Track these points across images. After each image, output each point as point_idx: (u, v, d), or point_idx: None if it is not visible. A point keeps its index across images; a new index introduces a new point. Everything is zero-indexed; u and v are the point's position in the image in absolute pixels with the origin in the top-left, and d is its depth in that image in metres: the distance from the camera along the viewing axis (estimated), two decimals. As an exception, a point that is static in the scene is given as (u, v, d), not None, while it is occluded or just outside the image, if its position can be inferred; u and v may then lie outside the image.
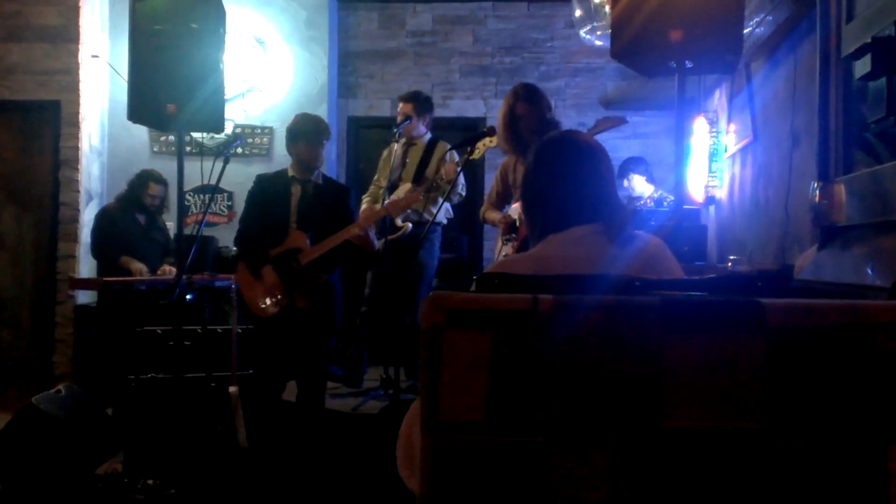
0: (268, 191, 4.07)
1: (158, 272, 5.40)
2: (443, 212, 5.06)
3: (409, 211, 4.91)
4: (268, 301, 3.89)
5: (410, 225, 4.85)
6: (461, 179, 4.86)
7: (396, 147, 5.09)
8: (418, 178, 4.96)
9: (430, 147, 5.06)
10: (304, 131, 4.03)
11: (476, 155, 4.39)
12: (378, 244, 4.82)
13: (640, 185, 5.92)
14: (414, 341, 4.76)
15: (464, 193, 5.06)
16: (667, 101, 5.87)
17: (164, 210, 5.70)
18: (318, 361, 4.00)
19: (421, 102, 5.10)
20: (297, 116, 4.15)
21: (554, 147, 1.85)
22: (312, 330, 3.94)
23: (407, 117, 4.99)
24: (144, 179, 5.55)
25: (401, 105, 5.12)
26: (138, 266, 5.30)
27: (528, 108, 3.94)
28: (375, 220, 4.10)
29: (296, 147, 4.05)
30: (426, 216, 4.96)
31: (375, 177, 5.31)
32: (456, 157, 4.99)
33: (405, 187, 4.92)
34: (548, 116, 4.00)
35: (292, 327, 3.91)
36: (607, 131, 3.99)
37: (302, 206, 3.98)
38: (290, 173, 4.08)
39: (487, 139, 4.31)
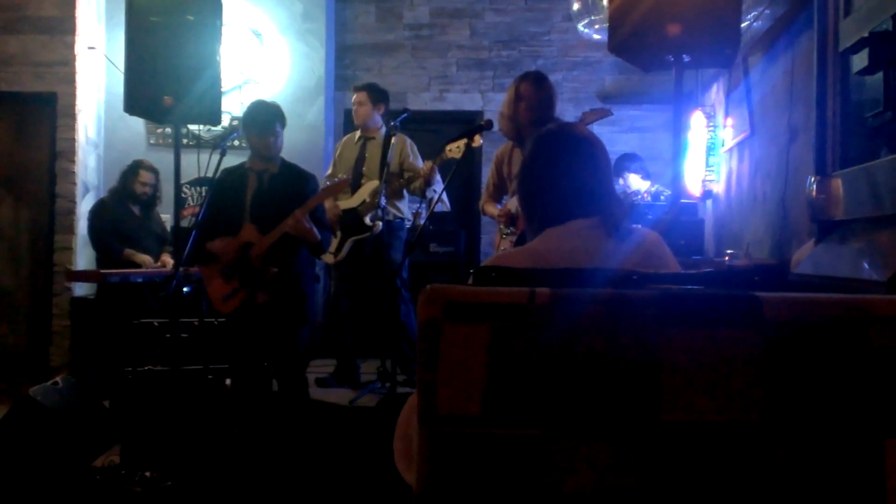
0: (225, 186, 3.98)
1: (158, 263, 5.40)
2: (405, 205, 5.02)
3: (378, 210, 4.82)
4: (227, 297, 3.86)
5: (381, 224, 4.67)
6: (438, 177, 4.76)
7: (354, 141, 5.04)
8: (382, 173, 4.84)
9: (388, 140, 4.85)
10: (253, 120, 3.95)
11: (454, 154, 4.32)
12: (346, 245, 4.78)
13: (635, 183, 5.91)
14: (401, 336, 4.77)
15: (437, 189, 4.78)
16: (664, 95, 5.86)
17: (157, 201, 5.69)
18: (290, 354, 3.95)
19: (375, 91, 4.98)
20: (250, 104, 4.09)
21: (551, 140, 1.85)
22: (277, 323, 3.88)
23: (371, 104, 4.89)
24: (135, 168, 5.54)
25: (355, 95, 4.99)
26: (143, 258, 5.30)
27: (532, 90, 3.95)
28: (310, 208, 3.88)
29: (248, 136, 4.00)
30: (395, 212, 4.92)
31: (328, 172, 5.15)
32: (416, 148, 4.93)
33: (371, 184, 4.82)
34: (550, 109, 4.01)
35: (256, 322, 3.87)
36: (596, 123, 3.99)
37: (256, 198, 3.91)
38: (248, 165, 4.03)
39: (462, 141, 4.24)
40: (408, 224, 5.06)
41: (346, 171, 4.98)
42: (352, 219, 4.78)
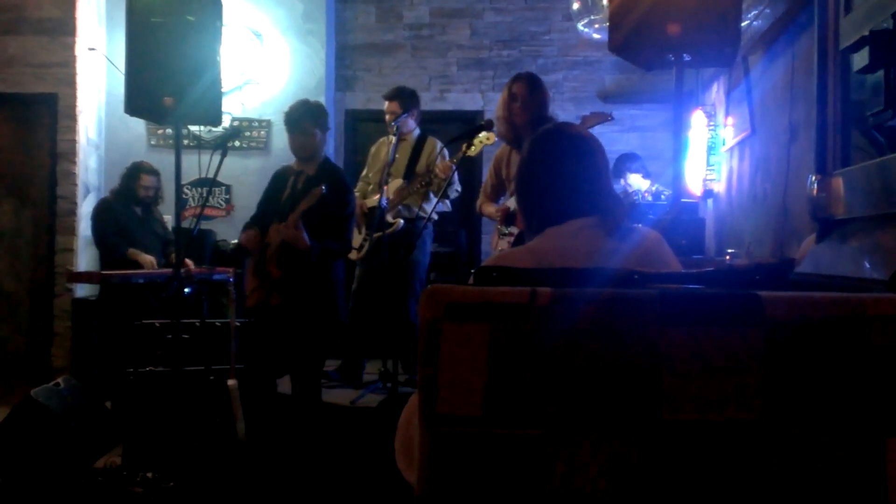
0: (273, 184, 4.08)
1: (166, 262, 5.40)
2: (430, 205, 5.03)
3: (400, 207, 4.90)
4: (250, 293, 3.90)
5: (402, 221, 4.82)
6: (455, 177, 4.81)
7: (389, 142, 5.08)
8: (409, 174, 4.93)
9: (420, 142, 5.02)
10: (287, 118, 3.98)
11: (473, 152, 4.37)
12: (363, 241, 4.80)
13: (636, 182, 5.91)
14: (409, 336, 4.77)
15: (459, 189, 5.01)
16: (665, 94, 5.87)
17: (159, 202, 5.69)
18: (306, 357, 3.94)
19: (406, 97, 5.00)
20: (292, 104, 4.11)
21: (549, 140, 1.85)
22: (294, 326, 3.88)
23: (403, 111, 4.94)
24: (136, 172, 5.52)
25: (387, 104, 5.03)
26: (147, 258, 5.30)
27: (525, 89, 3.95)
28: (298, 215, 3.80)
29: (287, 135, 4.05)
30: (418, 212, 4.95)
31: (364, 172, 5.26)
32: (447, 154, 4.97)
33: (396, 183, 4.89)
34: (544, 108, 4.00)
35: (270, 323, 3.88)
36: (597, 126, 3.99)
37: (288, 199, 3.93)
38: (293, 165, 4.07)
39: (485, 136, 4.30)
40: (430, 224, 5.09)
41: (376, 170, 5.05)
42: (374, 216, 4.82)
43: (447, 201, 5.06)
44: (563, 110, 6.57)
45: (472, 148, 4.33)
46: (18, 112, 6.35)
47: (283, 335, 3.89)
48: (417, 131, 5.10)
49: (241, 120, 6.62)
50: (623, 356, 1.22)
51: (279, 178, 4.08)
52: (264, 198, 4.12)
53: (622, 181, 5.89)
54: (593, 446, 1.21)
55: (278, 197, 3.98)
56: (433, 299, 1.24)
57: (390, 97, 5.04)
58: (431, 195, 4.98)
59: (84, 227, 6.18)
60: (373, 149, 5.30)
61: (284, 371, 4.08)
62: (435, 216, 4.98)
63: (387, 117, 5.02)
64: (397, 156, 4.98)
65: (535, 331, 1.22)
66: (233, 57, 6.25)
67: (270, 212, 3.97)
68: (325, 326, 3.99)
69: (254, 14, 6.63)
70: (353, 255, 4.94)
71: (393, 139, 5.05)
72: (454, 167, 4.52)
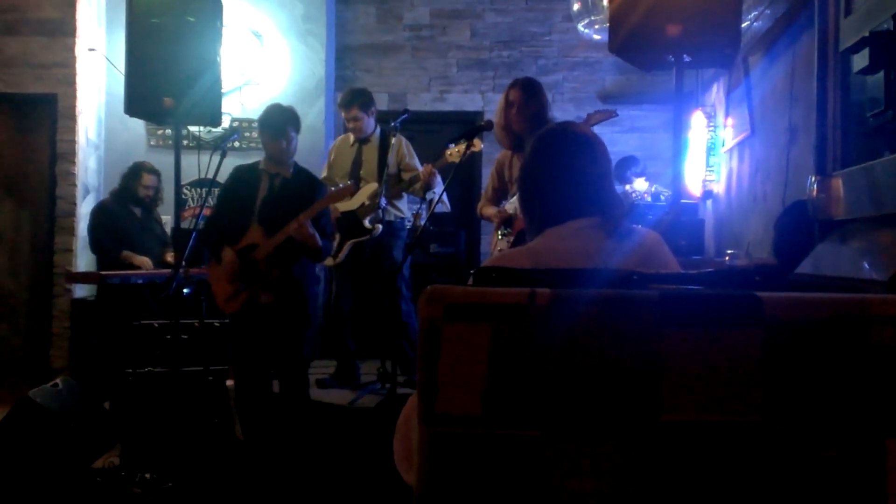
0: (238, 184, 4.02)
1: (166, 261, 5.39)
2: (405, 204, 5.01)
3: (378, 211, 4.81)
4: (230, 298, 3.87)
5: (381, 227, 4.70)
6: (438, 179, 4.75)
7: (347, 145, 5.01)
8: (381, 175, 4.83)
9: (384, 142, 4.88)
10: (267, 124, 3.96)
11: (455, 158, 4.37)
12: (345, 247, 4.78)
13: (640, 186, 5.91)
14: (403, 337, 4.77)
15: (436, 192, 4.80)
16: (665, 95, 5.87)
17: (159, 202, 5.68)
18: (292, 356, 3.95)
19: (362, 99, 4.91)
20: (266, 108, 4.09)
21: (552, 139, 1.84)
22: (280, 325, 3.89)
23: (365, 114, 4.87)
24: (137, 171, 5.52)
25: (345, 112, 4.91)
26: (141, 260, 5.29)
27: (522, 95, 3.92)
28: (314, 214, 3.88)
29: (262, 139, 4.03)
30: (395, 213, 4.91)
31: (324, 175, 5.05)
32: (412, 149, 4.94)
33: (369, 187, 4.80)
34: (543, 112, 3.98)
35: (259, 323, 3.88)
36: (601, 124, 3.99)
37: (266, 200, 3.93)
38: (262, 166, 4.04)
39: (462, 145, 4.28)
40: (408, 224, 5.05)
41: (342, 175, 4.94)
42: (351, 221, 4.78)
43: (446, 202, 5.04)
44: (562, 111, 6.55)
45: (451, 156, 4.34)
46: (18, 112, 6.34)
47: (272, 333, 3.89)
48: (378, 130, 4.98)
49: (240, 120, 6.61)
50: (622, 357, 1.22)
51: (246, 178, 4.01)
52: (229, 196, 4.03)
53: (627, 187, 5.88)
54: (593, 447, 1.21)
55: (249, 196, 3.95)
56: (433, 300, 1.24)
57: (347, 104, 4.90)
58: (404, 194, 4.96)
59: (83, 227, 6.17)
60: (332, 152, 5.18)
61: (272, 370, 4.06)
62: (409, 215, 4.96)
63: (350, 125, 4.92)
64: (363, 159, 4.89)
65: (535, 331, 1.22)
66: (233, 57, 6.24)
67: (237, 211, 3.94)
68: (311, 324, 4.03)
69: (254, 15, 6.62)
70: (329, 262, 4.89)
71: (351, 139, 4.99)
72: (436, 171, 4.53)
